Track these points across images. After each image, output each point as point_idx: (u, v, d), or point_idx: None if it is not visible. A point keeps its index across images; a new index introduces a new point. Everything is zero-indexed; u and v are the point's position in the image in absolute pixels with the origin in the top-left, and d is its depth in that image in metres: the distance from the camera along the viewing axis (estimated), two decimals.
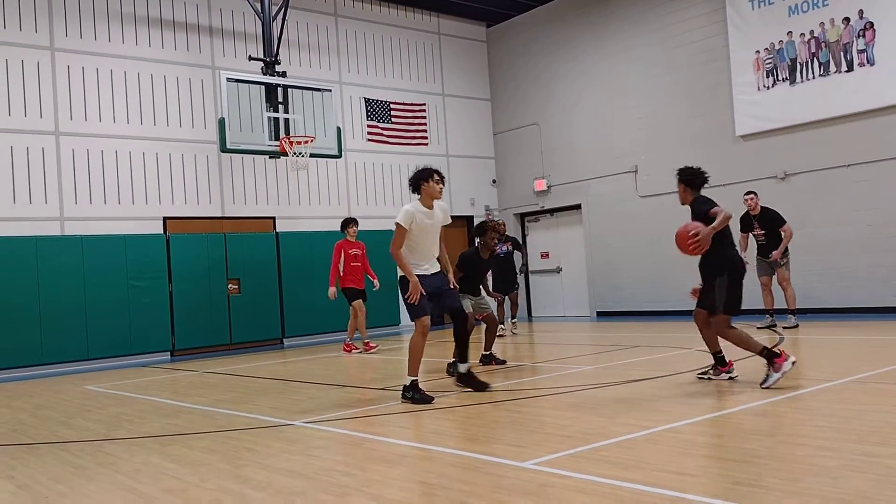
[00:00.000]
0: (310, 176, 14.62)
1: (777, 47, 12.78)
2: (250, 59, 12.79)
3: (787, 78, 12.68)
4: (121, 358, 12.13)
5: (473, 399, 6.28)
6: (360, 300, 11.28)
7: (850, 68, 11.95)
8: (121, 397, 8.05)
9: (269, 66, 12.71)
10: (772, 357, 5.83)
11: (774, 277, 10.57)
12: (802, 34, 12.48)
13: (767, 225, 10.55)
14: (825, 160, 12.25)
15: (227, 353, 12.73)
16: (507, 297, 12.31)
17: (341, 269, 11.16)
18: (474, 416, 5.64)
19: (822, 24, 12.25)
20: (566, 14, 16.11)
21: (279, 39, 12.99)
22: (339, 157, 13.35)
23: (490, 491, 3.59)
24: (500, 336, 11.82)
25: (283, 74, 12.71)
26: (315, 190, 14.85)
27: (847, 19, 11.96)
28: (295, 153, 12.04)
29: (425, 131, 16.52)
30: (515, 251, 12.55)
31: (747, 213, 10.74)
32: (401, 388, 6.42)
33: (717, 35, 13.61)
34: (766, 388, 5.77)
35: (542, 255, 17.20)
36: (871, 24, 11.69)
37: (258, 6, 13.03)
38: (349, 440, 5.14)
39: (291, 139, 12.07)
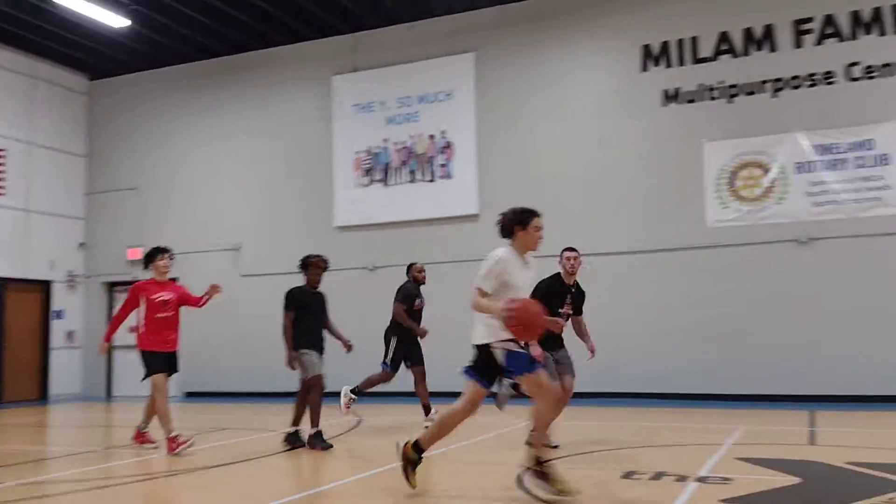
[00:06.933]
0: None
1: (375, 151, 14.05)
2: None
3: (381, 179, 13.96)
4: None
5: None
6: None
7: (433, 179, 13.61)
8: None
9: None
10: None
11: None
12: (396, 143, 13.93)
13: (579, 301, 7.24)
14: (410, 257, 13.57)
15: None
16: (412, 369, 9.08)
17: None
18: None
19: (412, 136, 13.82)
20: (181, 79, 15.75)
21: None
22: None
23: None
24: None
25: None
26: None
27: (433, 136, 13.68)
28: None
29: (1, 179, 14.55)
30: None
31: (559, 278, 7.05)
32: None
33: (325, 130, 14.48)
34: None
35: (130, 330, 15.99)
36: (451, 144, 13.53)
37: None
38: None
39: None
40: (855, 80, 11.28)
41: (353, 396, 8.66)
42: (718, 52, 12.04)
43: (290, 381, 13.94)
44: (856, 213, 11.04)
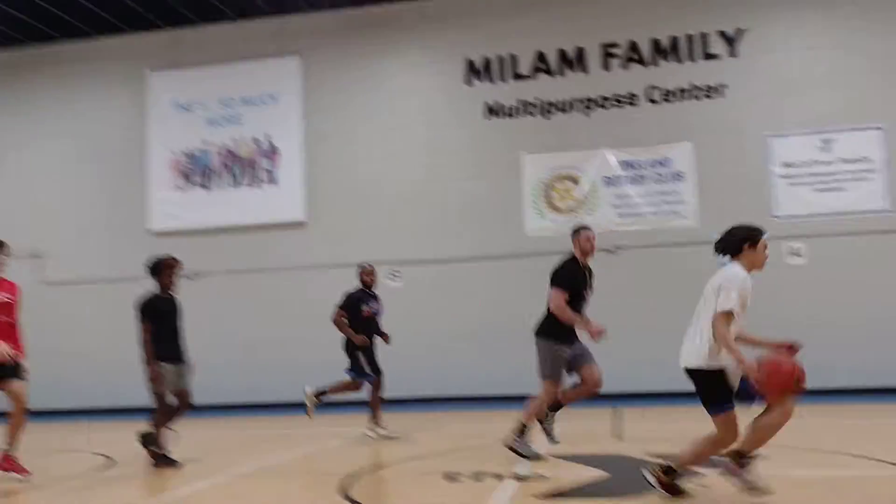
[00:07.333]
0: None
1: (194, 153, 13.49)
2: None
3: (202, 183, 13.42)
4: None
5: None
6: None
7: (258, 184, 13.27)
8: None
9: None
10: None
11: None
12: (218, 146, 13.45)
13: (592, 281, 7.29)
14: (235, 264, 13.16)
15: None
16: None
17: None
18: None
19: (235, 139, 13.41)
20: None
21: None
22: None
23: None
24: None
25: None
26: None
27: (257, 139, 13.36)
28: None
29: None
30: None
31: (576, 261, 7.11)
32: None
33: (137, 128, 13.71)
34: None
35: None
36: (277, 149, 13.27)
37: None
38: None
39: None
40: (654, 102, 12.32)
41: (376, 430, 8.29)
42: (536, 71, 12.71)
43: (100, 397, 13.11)
44: (656, 225, 12.05)
